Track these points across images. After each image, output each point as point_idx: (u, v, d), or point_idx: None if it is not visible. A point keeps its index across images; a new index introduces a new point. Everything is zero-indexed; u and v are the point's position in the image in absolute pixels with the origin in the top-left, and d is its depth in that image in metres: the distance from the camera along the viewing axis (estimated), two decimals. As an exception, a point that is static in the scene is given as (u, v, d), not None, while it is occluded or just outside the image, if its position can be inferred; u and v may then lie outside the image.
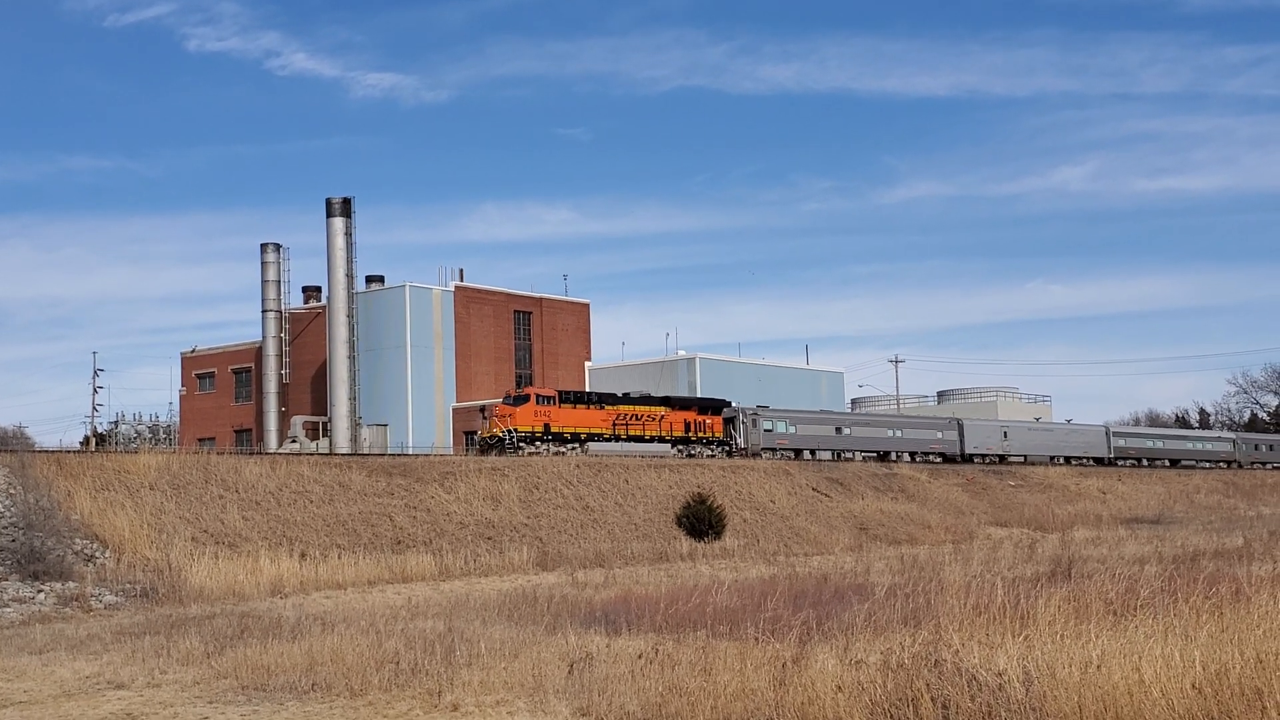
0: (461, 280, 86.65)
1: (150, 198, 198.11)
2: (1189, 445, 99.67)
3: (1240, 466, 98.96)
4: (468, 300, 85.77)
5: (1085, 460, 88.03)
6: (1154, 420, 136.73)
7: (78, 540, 36.98)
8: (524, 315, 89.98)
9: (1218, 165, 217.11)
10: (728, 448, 66.16)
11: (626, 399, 64.69)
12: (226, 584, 35.54)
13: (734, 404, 71.31)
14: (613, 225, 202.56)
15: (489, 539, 45.93)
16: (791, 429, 69.92)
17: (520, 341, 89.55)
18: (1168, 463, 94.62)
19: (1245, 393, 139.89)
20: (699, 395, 77.51)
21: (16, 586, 33.29)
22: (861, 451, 73.70)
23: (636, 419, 62.85)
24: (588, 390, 65.07)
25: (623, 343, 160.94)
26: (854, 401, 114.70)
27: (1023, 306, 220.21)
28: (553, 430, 59.47)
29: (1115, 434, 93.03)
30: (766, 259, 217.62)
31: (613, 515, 52.12)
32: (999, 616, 16.48)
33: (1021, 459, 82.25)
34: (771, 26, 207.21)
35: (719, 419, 66.59)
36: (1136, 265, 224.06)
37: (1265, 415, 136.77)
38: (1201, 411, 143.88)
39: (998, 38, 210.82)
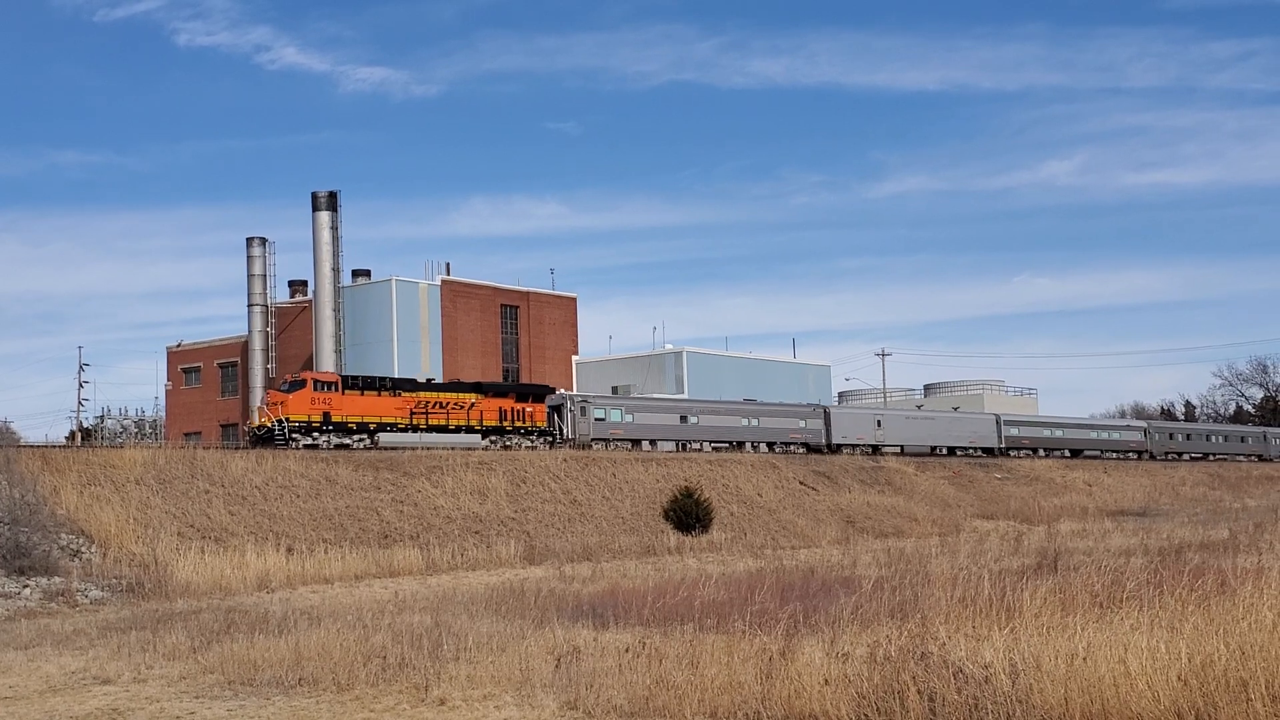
0: (448, 274, 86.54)
1: (138, 193, 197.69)
2: (1093, 435, 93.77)
3: (1152, 457, 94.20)
4: (455, 294, 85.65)
5: (973, 451, 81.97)
6: (1139, 413, 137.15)
7: (64, 535, 36.87)
8: (511, 309, 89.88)
9: (1205, 159, 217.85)
10: (551, 438, 60.52)
11: (430, 385, 59.80)
12: (213, 579, 35.45)
13: (562, 391, 67.05)
14: (601, 219, 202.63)
15: (476, 533, 45.89)
16: (628, 418, 64.41)
17: (507, 335, 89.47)
18: (1067, 453, 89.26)
19: (1230, 385, 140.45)
20: (522, 383, 72.34)
21: (2, 582, 33.16)
22: (710, 442, 67.84)
23: (440, 407, 56.45)
24: (383, 375, 58.31)
25: (610, 336, 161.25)
26: (841, 395, 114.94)
27: (1010, 300, 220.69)
28: (334, 420, 52.76)
29: (1007, 422, 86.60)
30: (755, 253, 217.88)
31: (600, 509, 52.11)
32: (985, 609, 16.51)
33: (897, 450, 76.30)
34: (761, 21, 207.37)
35: (541, 407, 60.85)
36: (1124, 259, 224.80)
37: (1250, 408, 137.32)
38: (1187, 404, 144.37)
39: (986, 33, 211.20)
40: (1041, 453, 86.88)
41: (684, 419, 67.52)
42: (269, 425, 51.65)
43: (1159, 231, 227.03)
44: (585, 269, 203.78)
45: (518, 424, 58.99)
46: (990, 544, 40.57)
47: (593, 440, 61.53)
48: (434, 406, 56.03)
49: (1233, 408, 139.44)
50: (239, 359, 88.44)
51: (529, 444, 58.84)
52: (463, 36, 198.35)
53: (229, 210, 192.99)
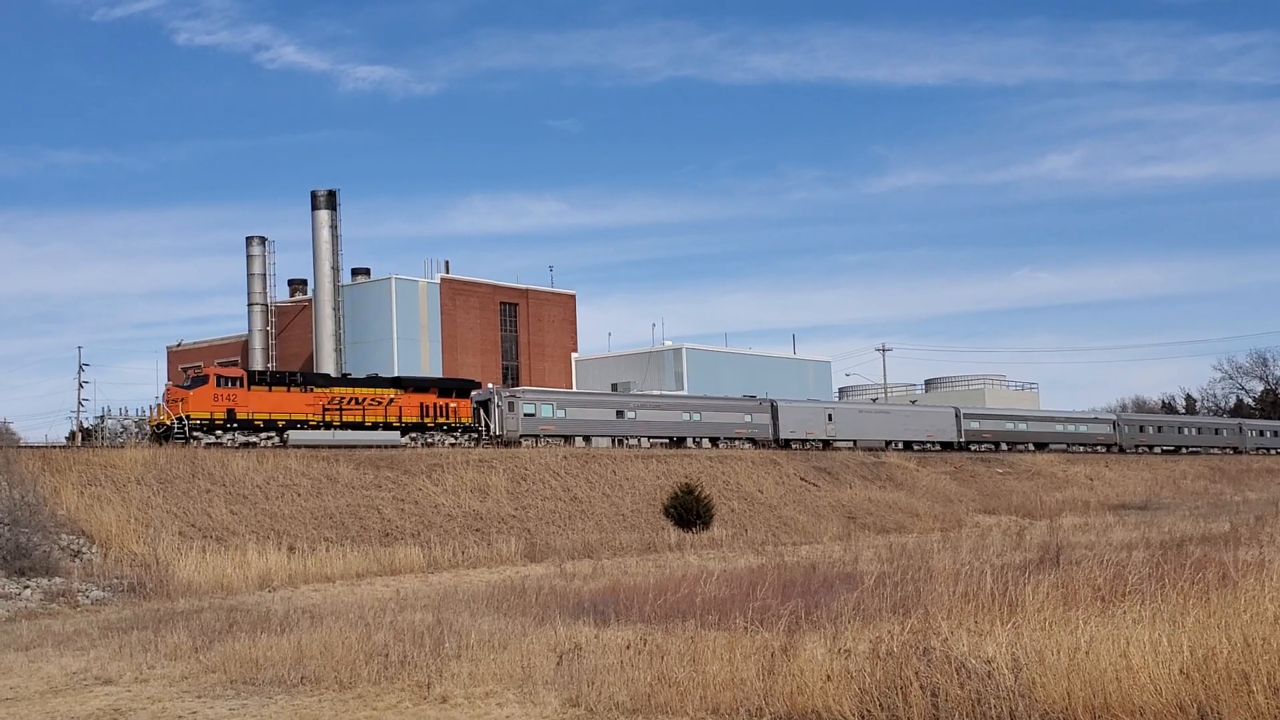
0: (448, 272, 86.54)
1: (137, 192, 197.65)
2: (1057, 428, 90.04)
3: (1121, 450, 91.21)
4: (454, 292, 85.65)
5: (931, 446, 79.15)
6: (1140, 406, 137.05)
7: (64, 536, 36.86)
8: (510, 307, 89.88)
9: (1205, 153, 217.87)
10: (476, 435, 58.08)
11: (346, 380, 57.24)
12: (214, 578, 35.46)
13: (492, 386, 64.91)
14: (600, 216, 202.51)
15: (477, 531, 45.90)
16: (560, 413, 61.83)
17: (506, 333, 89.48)
18: (1033, 446, 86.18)
19: (1231, 379, 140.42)
20: (445, 377, 69.76)
21: (2, 583, 33.15)
22: (649, 438, 65.24)
23: (356, 403, 53.90)
24: (293, 371, 54.89)
25: (609, 334, 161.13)
26: (841, 390, 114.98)
27: (1011, 294, 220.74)
28: (239, 417, 50.04)
29: (967, 416, 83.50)
30: (754, 249, 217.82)
31: (600, 506, 52.11)
32: (988, 604, 16.50)
33: (850, 444, 73.85)
34: (760, 17, 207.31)
35: (465, 402, 58.32)
36: (1124, 252, 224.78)
37: (1251, 401, 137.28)
38: (1188, 398, 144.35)
39: (986, 27, 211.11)
40: (1004, 446, 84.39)
41: (620, 414, 65.05)
42: (168, 423, 49.03)
43: (1159, 225, 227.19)
44: (585, 266, 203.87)
45: (440, 420, 56.58)
46: (992, 539, 40.53)
47: (521, 437, 59.15)
48: (349, 403, 53.74)
49: (1233, 401, 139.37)
50: (239, 358, 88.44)
51: (451, 441, 56.49)
52: (462, 34, 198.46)
53: (228, 209, 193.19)
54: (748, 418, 69.82)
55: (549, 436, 60.43)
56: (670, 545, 47.18)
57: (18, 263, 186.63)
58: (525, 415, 59.92)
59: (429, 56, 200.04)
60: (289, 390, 52.12)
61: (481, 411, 58.89)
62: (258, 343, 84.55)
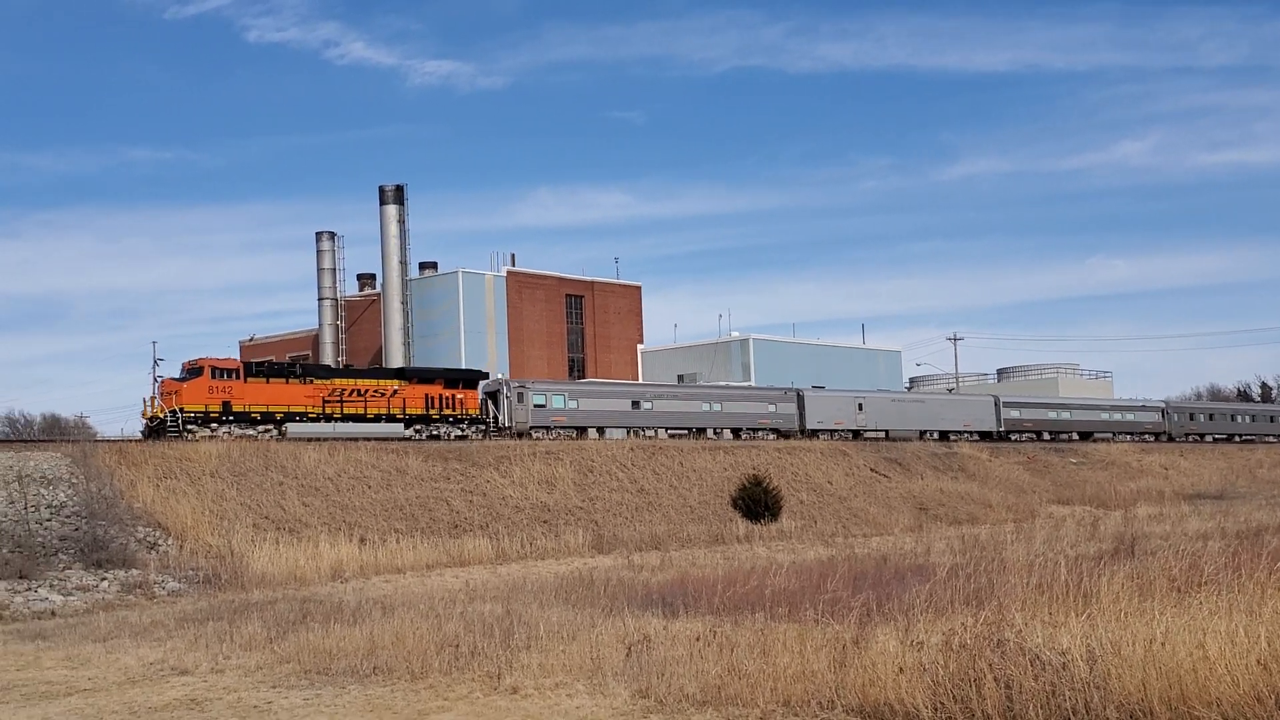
0: (514, 265, 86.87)
1: (209, 188, 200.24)
2: (1102, 416, 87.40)
3: (1171, 439, 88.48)
4: (520, 285, 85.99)
5: (969, 435, 76.28)
6: (1215, 395, 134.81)
7: (140, 528, 37.44)
8: (576, 299, 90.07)
9: (1279, 138, 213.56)
10: (484, 427, 56.88)
11: (348, 371, 56.34)
12: (287, 569, 35.86)
13: (501, 376, 62.85)
14: (666, 207, 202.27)
15: (544, 522, 46.06)
16: (572, 404, 60.14)
17: (572, 325, 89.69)
18: (1076, 435, 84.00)
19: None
20: (452, 368, 66.30)
21: (81, 575, 33.75)
22: (667, 429, 63.51)
23: (357, 395, 52.65)
24: (293, 362, 53.84)
25: (675, 325, 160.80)
26: (912, 380, 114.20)
27: (1083, 282, 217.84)
28: (234, 409, 48.99)
29: (1007, 404, 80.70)
30: (822, 238, 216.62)
31: (668, 498, 52.10)
32: (1062, 595, 16.29)
33: (881, 434, 71.77)
34: (828, 5, 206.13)
35: (473, 393, 56.97)
36: (1198, 239, 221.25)
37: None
38: (1263, 385, 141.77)
39: (1056, 13, 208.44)
40: (1046, 435, 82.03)
41: (636, 404, 63.19)
42: (161, 416, 48.27)
43: (1233, 211, 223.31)
44: (650, 258, 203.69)
45: (446, 412, 55.36)
46: (1066, 529, 40.09)
47: (532, 428, 57.84)
48: (350, 394, 52.49)
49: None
50: (310, 352, 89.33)
51: (458, 433, 55.47)
52: (528, 27, 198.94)
53: (299, 205, 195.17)
54: (771, 408, 68.05)
55: (560, 429, 59.14)
56: (738, 537, 47.08)
57: (94, 259, 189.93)
58: (535, 406, 58.49)
59: (495, 50, 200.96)
60: (287, 382, 51.05)
61: (490, 403, 57.84)
62: (328, 337, 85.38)
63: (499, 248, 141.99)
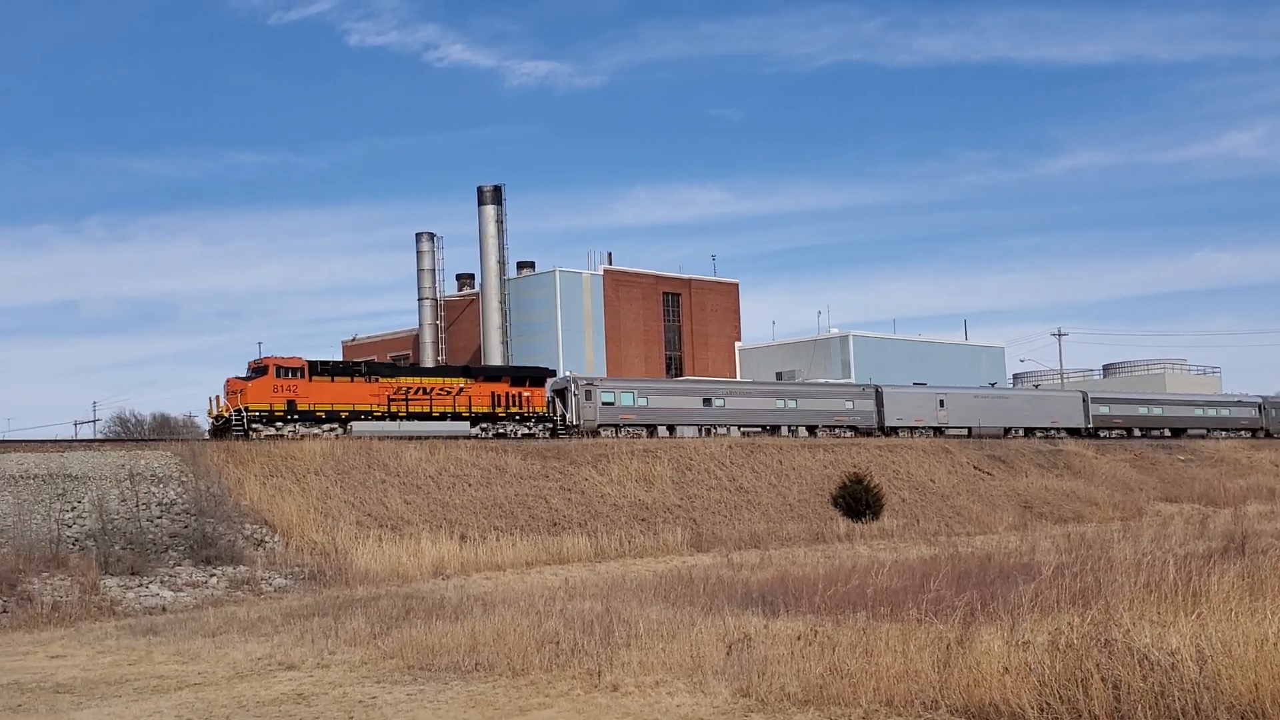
0: (610, 264, 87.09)
1: (312, 191, 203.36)
2: (1195, 412, 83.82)
3: (1269, 435, 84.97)
4: (617, 283, 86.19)
5: (1057, 433, 74.49)
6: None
7: (247, 525, 38.15)
8: (673, 297, 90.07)
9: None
10: (551, 425, 55.95)
11: (414, 370, 55.64)
12: (390, 566, 36.30)
13: (567, 373, 61.98)
14: (764, 204, 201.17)
15: (643, 520, 46.12)
16: (641, 401, 58.97)
17: (669, 323, 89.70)
18: (1169, 432, 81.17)
19: None
20: (519, 365, 66.80)
21: (190, 571, 34.47)
22: (740, 426, 62.18)
23: (424, 393, 52.35)
24: (358, 360, 52.90)
25: (773, 322, 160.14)
26: (1015, 376, 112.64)
27: (1191, 276, 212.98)
28: (299, 408, 48.89)
29: (1095, 400, 78.49)
30: (923, 233, 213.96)
31: (767, 496, 51.90)
32: (1170, 594, 15.93)
33: (964, 432, 69.72)
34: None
35: (540, 391, 56.12)
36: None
37: None
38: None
39: (1160, 2, 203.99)
40: (1137, 432, 79.81)
41: (708, 402, 62.07)
42: (226, 415, 48.33)
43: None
44: (748, 254, 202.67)
45: (513, 410, 54.68)
46: (1174, 527, 39.24)
47: (600, 426, 56.87)
48: (416, 392, 52.19)
49: None
50: (410, 352, 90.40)
51: (525, 431, 54.76)
52: (625, 26, 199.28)
53: (398, 206, 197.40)
54: (849, 404, 66.60)
55: (629, 426, 58.28)
56: (839, 536, 46.77)
57: (200, 262, 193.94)
58: (604, 404, 57.62)
59: (592, 50, 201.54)
60: (352, 381, 50.86)
61: (558, 401, 57.19)
62: (428, 336, 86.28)
63: (596, 247, 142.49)
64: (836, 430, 65.11)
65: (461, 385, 53.72)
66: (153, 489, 38.39)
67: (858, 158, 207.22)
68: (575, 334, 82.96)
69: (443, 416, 52.45)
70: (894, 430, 66.92)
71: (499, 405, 54.37)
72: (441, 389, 53.03)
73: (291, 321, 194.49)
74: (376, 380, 51.40)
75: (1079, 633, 13.72)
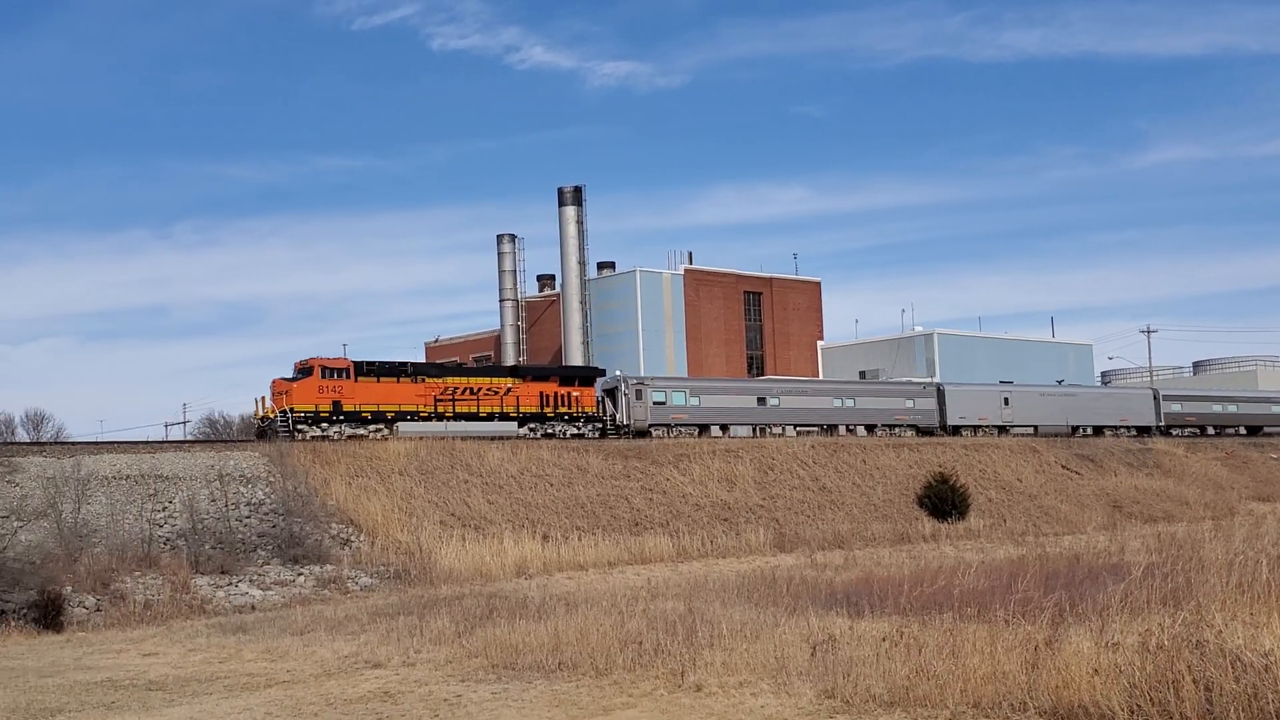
0: (691, 263, 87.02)
1: (396, 194, 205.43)
2: (1274, 410, 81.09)
3: None
4: (697, 283, 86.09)
5: (1126, 430, 72.33)
6: None
7: (334, 525, 38.62)
8: (754, 296, 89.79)
9: None
10: (601, 425, 55.31)
11: (460, 370, 55.07)
12: (473, 565, 36.57)
13: (618, 373, 60.81)
14: (847, 201, 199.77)
15: (725, 520, 46.04)
16: (694, 400, 58.18)
17: (751, 322, 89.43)
18: (1244, 430, 78.59)
19: None
20: (568, 365, 64.95)
21: (278, 570, 34.98)
22: (796, 426, 60.96)
23: (470, 393, 51.86)
24: (404, 360, 52.55)
25: (856, 321, 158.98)
26: (1104, 374, 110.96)
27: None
28: (345, 409, 48.68)
29: (1167, 398, 75.74)
30: (1009, 230, 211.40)
31: (851, 496, 51.58)
32: (1264, 595, 15.65)
33: (1030, 430, 67.90)
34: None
35: (589, 390, 55.57)
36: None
37: None
38: None
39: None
40: (1211, 430, 77.26)
41: (762, 401, 60.89)
42: (271, 416, 48.20)
43: None
44: (831, 253, 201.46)
45: (561, 410, 54.11)
46: (1268, 527, 38.38)
47: (651, 426, 56.23)
48: (462, 393, 51.77)
49: None
50: (492, 352, 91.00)
51: (574, 431, 54.12)
52: (705, 25, 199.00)
53: (481, 208, 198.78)
54: (909, 403, 65.13)
55: (681, 426, 57.50)
56: (925, 536, 46.37)
57: (288, 265, 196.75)
58: (655, 403, 56.82)
59: (673, 49, 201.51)
60: (398, 381, 50.58)
61: (608, 401, 56.54)
62: (509, 337, 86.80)
63: (677, 246, 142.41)
64: (896, 429, 63.93)
65: (509, 385, 53.44)
66: (241, 489, 39.00)
67: (943, 154, 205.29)
68: (656, 334, 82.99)
69: (490, 417, 52.22)
70: (957, 429, 65.65)
71: (547, 405, 53.92)
72: (489, 389, 52.74)
73: (376, 324, 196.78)
74: (422, 381, 51.26)
75: (1170, 634, 13.50)
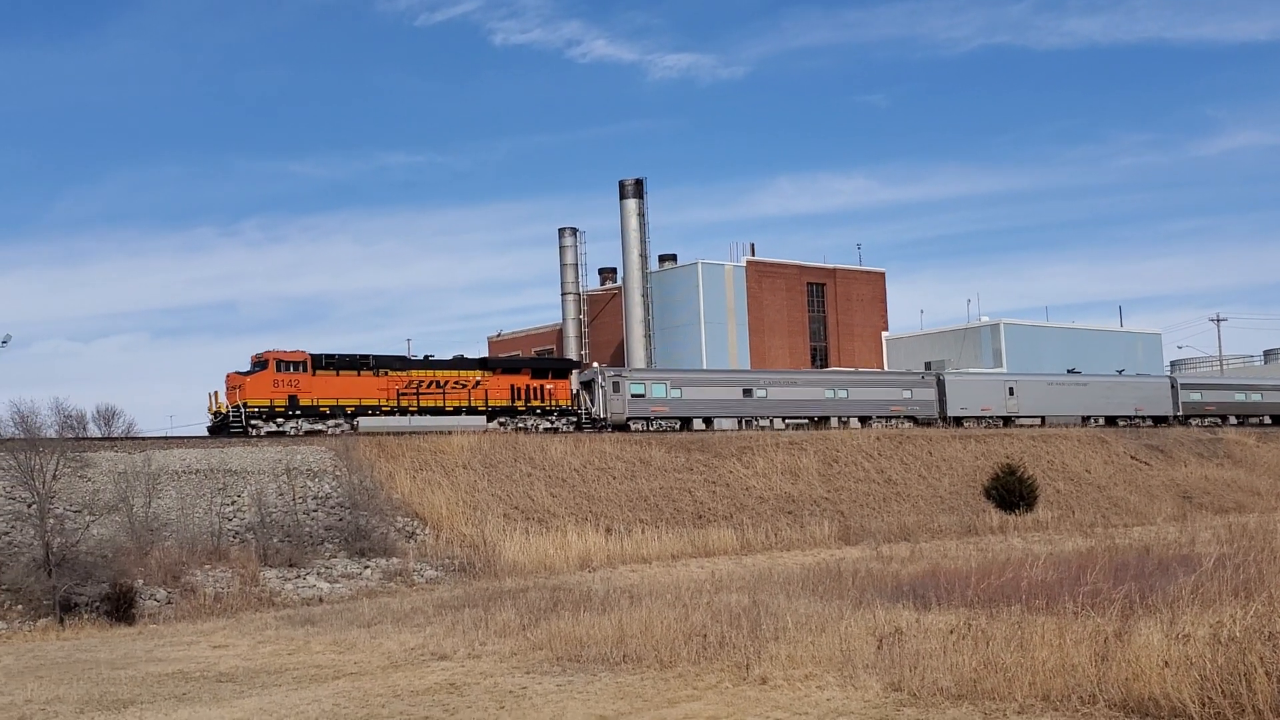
0: (753, 255, 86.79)
1: (459, 190, 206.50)
2: None
3: None
4: (759, 274, 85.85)
5: (1141, 421, 70.21)
6: None
7: (399, 518, 38.93)
8: (817, 287, 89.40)
9: None
10: (576, 419, 53.53)
11: (427, 363, 52.16)
12: (537, 558, 36.71)
13: (595, 365, 58.62)
14: (911, 191, 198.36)
15: (789, 513, 45.90)
16: (675, 393, 56.36)
17: (814, 314, 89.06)
18: (1268, 419, 76.19)
19: None
20: (542, 357, 62.82)
21: (345, 563, 35.33)
22: (785, 418, 59.76)
23: (436, 386, 50.29)
24: (365, 354, 50.49)
25: (921, 311, 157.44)
26: (1173, 364, 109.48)
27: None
28: (302, 403, 46.99)
29: (1185, 387, 73.80)
30: (1076, 218, 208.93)
31: (916, 488, 51.25)
32: (1340, 587, 15.34)
33: (1037, 421, 66.57)
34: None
35: (563, 383, 54.00)
36: None
37: None
38: None
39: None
40: (1233, 420, 74.85)
41: (748, 393, 59.11)
42: (224, 412, 46.60)
43: None
44: (895, 243, 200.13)
45: (534, 403, 52.44)
46: (1343, 519, 37.72)
47: (629, 420, 54.56)
48: (428, 386, 50.23)
49: None
50: (554, 346, 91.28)
51: (547, 425, 52.31)
52: (768, 16, 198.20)
53: (542, 203, 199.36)
54: (906, 393, 63.25)
55: (661, 419, 55.84)
56: (992, 528, 45.97)
57: (353, 262, 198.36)
58: (633, 396, 55.08)
59: (736, 40, 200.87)
60: (359, 374, 48.94)
61: (585, 394, 55.03)
62: (571, 331, 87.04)
63: (739, 238, 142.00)
64: (892, 421, 62.01)
65: (478, 378, 51.95)
66: (308, 483, 39.40)
67: (1009, 143, 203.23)
68: (718, 326, 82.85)
69: (457, 411, 50.57)
70: (958, 420, 63.81)
71: (518, 399, 52.39)
72: (456, 382, 51.27)
73: (441, 319, 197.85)
74: (385, 374, 49.77)
75: (1242, 625, 13.34)
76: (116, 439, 41.29)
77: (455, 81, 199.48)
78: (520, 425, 51.66)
